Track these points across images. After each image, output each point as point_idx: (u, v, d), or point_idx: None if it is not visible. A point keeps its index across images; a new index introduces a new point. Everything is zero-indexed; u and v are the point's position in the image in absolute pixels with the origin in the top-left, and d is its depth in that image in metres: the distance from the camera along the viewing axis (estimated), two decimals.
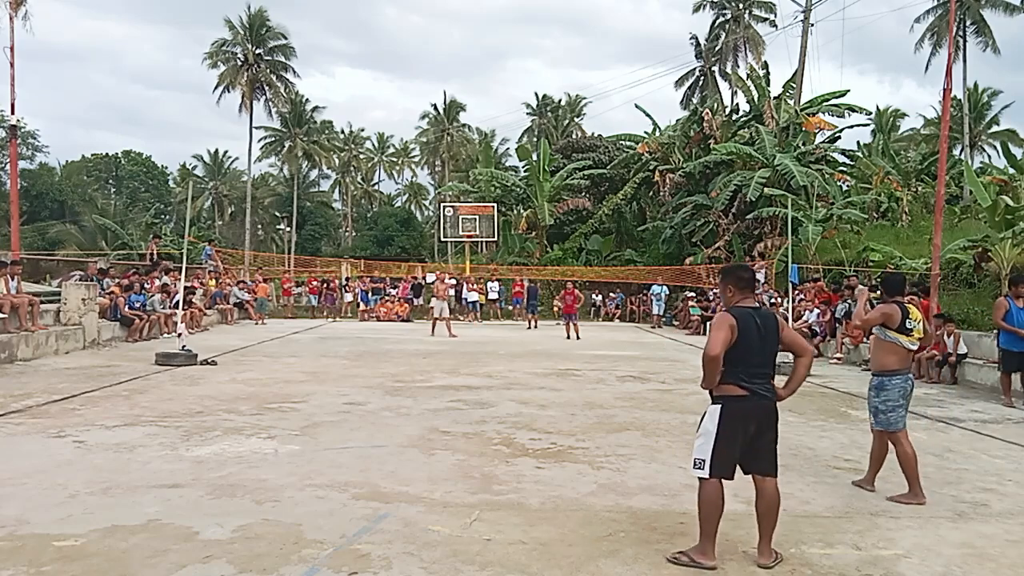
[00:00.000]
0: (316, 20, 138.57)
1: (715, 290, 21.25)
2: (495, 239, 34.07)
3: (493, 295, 27.92)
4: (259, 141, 56.41)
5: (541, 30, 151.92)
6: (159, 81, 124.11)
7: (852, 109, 28.65)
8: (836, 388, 11.25)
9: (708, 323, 4.53)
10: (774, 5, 46.45)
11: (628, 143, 35.02)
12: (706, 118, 29.48)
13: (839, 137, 28.96)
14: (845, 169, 31.00)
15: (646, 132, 34.16)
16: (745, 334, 3.96)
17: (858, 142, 42.96)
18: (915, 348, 5.58)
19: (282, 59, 49.45)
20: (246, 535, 4.23)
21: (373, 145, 75.41)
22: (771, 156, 25.45)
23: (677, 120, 34.87)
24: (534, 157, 34.97)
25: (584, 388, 10.49)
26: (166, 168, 71.82)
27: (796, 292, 17.10)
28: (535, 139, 55.99)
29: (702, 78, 50.52)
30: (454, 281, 26.86)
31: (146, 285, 17.41)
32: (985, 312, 13.79)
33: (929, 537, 4.54)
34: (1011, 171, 21.41)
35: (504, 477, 5.61)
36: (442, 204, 37.18)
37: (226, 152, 68.96)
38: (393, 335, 19.49)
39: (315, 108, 59.89)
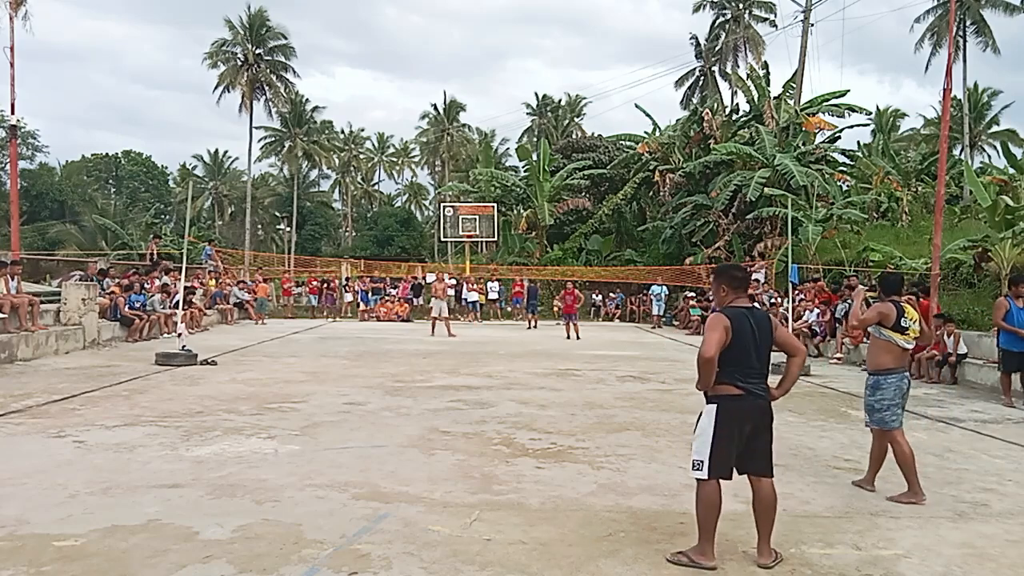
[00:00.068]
0: (316, 20, 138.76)
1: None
2: (495, 239, 34.07)
3: (493, 295, 27.92)
4: (259, 141, 56.50)
5: (541, 30, 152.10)
6: (159, 81, 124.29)
7: (852, 109, 28.65)
8: (836, 388, 11.26)
9: None
10: (774, 5, 46.53)
11: (628, 143, 35.02)
12: (706, 118, 29.48)
13: (839, 137, 28.98)
14: (845, 169, 31.00)
15: (646, 132, 34.17)
16: (740, 335, 3.95)
17: (858, 142, 43.03)
18: (911, 347, 5.58)
19: (282, 59, 49.48)
20: (246, 535, 4.23)
21: (373, 145, 75.48)
22: (771, 156, 25.45)
23: (677, 120, 34.88)
24: (534, 157, 34.98)
25: (584, 388, 10.49)
26: (166, 168, 71.94)
27: (796, 292, 17.10)
28: (535, 139, 56.00)
29: (702, 78, 50.53)
30: (454, 281, 26.87)
31: (146, 285, 17.41)
32: (985, 312, 13.80)
33: (929, 537, 4.54)
34: (1011, 171, 21.41)
35: (504, 477, 5.61)
36: (442, 204, 37.19)
37: (226, 152, 69.09)
38: (393, 335, 19.50)
39: (315, 108, 60.00)
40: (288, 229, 57.54)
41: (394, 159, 76.03)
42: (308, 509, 4.72)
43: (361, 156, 73.01)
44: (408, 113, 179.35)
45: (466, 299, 26.98)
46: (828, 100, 28.28)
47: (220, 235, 57.08)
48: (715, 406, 3.99)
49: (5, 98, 21.80)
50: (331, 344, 16.52)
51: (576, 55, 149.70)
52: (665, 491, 5.31)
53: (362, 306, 26.71)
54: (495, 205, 32.89)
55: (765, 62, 34.20)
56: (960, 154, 39.20)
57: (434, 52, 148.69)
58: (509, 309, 28.44)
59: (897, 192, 28.14)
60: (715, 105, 35.01)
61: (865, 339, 12.96)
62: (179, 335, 12.92)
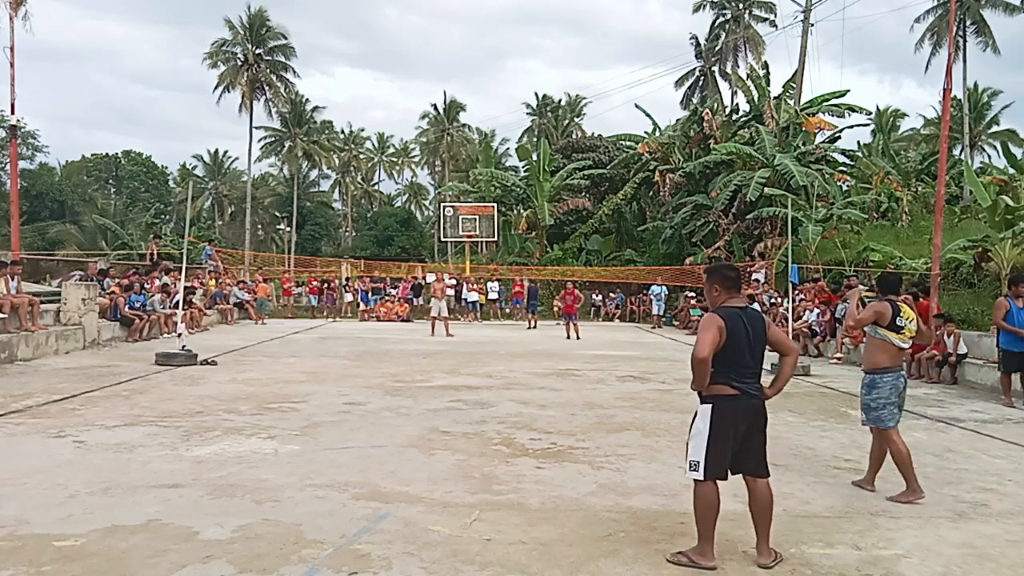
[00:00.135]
0: (316, 20, 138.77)
1: None
2: (495, 239, 34.07)
3: (493, 295, 27.92)
4: (259, 141, 56.51)
5: (541, 30, 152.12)
6: (159, 81, 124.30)
7: (852, 109, 28.64)
8: (836, 388, 11.26)
9: None
10: (774, 5, 46.53)
11: (628, 143, 35.02)
12: (706, 118, 29.48)
13: (839, 137, 28.97)
14: (845, 169, 30.99)
15: (646, 132, 34.17)
16: (734, 335, 3.95)
17: (858, 142, 43.03)
18: (907, 346, 5.59)
19: (282, 59, 49.50)
20: (246, 535, 4.23)
21: (373, 145, 75.48)
22: (771, 156, 25.45)
23: (677, 120, 34.87)
24: (534, 157, 34.98)
25: (584, 388, 10.49)
26: (166, 168, 71.94)
27: (796, 292, 17.11)
28: (535, 139, 56.00)
29: (702, 78, 50.53)
30: (454, 282, 26.87)
31: (146, 285, 17.41)
32: (985, 312, 13.80)
33: (929, 537, 4.54)
34: (1011, 171, 21.42)
35: (504, 477, 5.61)
36: (442, 204, 37.19)
37: (226, 152, 69.10)
38: (393, 335, 19.50)
39: (315, 108, 60.01)
40: (288, 229, 57.55)
41: (394, 159, 76.03)
42: (308, 509, 4.72)
43: (361, 156, 73.02)
44: (408, 113, 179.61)
45: (466, 299, 26.98)
46: (828, 100, 28.27)
47: (220, 235, 57.07)
48: (710, 406, 3.99)
49: (5, 98, 21.82)
50: (331, 344, 16.52)
51: (576, 55, 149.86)
52: (665, 491, 5.31)
53: (362, 306, 26.71)
54: (495, 205, 32.90)
55: (765, 62, 34.21)
56: (960, 154, 39.20)
57: (434, 52, 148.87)
58: (508, 310, 28.44)
59: (897, 192, 28.15)
60: (715, 105, 35.00)
61: (864, 339, 12.99)
62: (179, 335, 12.93)
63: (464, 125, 65.85)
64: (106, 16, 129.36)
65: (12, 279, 12.36)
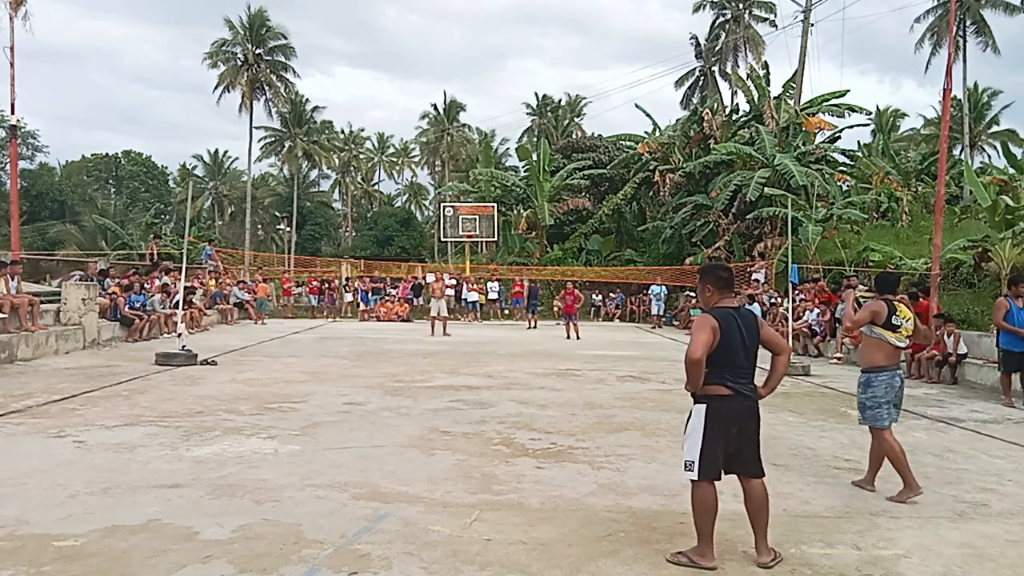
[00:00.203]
0: (316, 20, 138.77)
1: None
2: (495, 239, 34.08)
3: (493, 295, 27.92)
4: (259, 141, 56.51)
5: (541, 30, 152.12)
6: (159, 81, 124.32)
7: (852, 109, 28.65)
8: (836, 388, 11.26)
9: None
10: (774, 5, 46.54)
11: (628, 143, 35.03)
12: (706, 118, 29.48)
13: (839, 137, 28.98)
14: (845, 169, 30.99)
15: (646, 132, 34.19)
16: (727, 335, 3.95)
17: (858, 142, 43.05)
18: (903, 345, 5.59)
19: (282, 59, 49.51)
20: (246, 535, 4.23)
21: (373, 145, 75.48)
22: (771, 156, 25.45)
23: (677, 120, 34.88)
24: (534, 157, 34.99)
25: (584, 388, 10.49)
26: (166, 168, 71.94)
27: (796, 292, 17.11)
28: (535, 139, 56.01)
29: (702, 78, 50.54)
30: (454, 282, 26.89)
31: (146, 285, 17.41)
32: (985, 312, 13.80)
33: (929, 537, 4.54)
34: (1011, 171, 21.42)
35: (504, 477, 5.61)
36: (442, 204, 37.19)
37: (226, 152, 69.10)
38: (393, 335, 19.50)
39: (315, 108, 60.01)
40: (288, 229, 57.55)
41: (394, 159, 76.03)
42: (308, 509, 4.72)
43: (361, 156, 73.02)
44: (408, 113, 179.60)
45: (466, 299, 26.98)
46: (828, 100, 28.28)
47: (220, 235, 57.08)
48: (704, 406, 3.99)
49: (5, 98, 21.82)
50: (331, 344, 16.53)
51: (576, 55, 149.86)
52: (665, 491, 5.31)
53: (362, 306, 26.71)
54: (495, 205, 32.91)
55: (765, 62, 34.21)
56: (960, 154, 39.20)
57: (434, 52, 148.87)
58: (507, 312, 28.44)
59: (897, 192, 28.15)
60: (715, 105, 35.01)
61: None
62: (179, 335, 12.92)
63: (464, 125, 65.91)
64: (106, 16, 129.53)
65: (12, 279, 12.36)
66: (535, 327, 23.43)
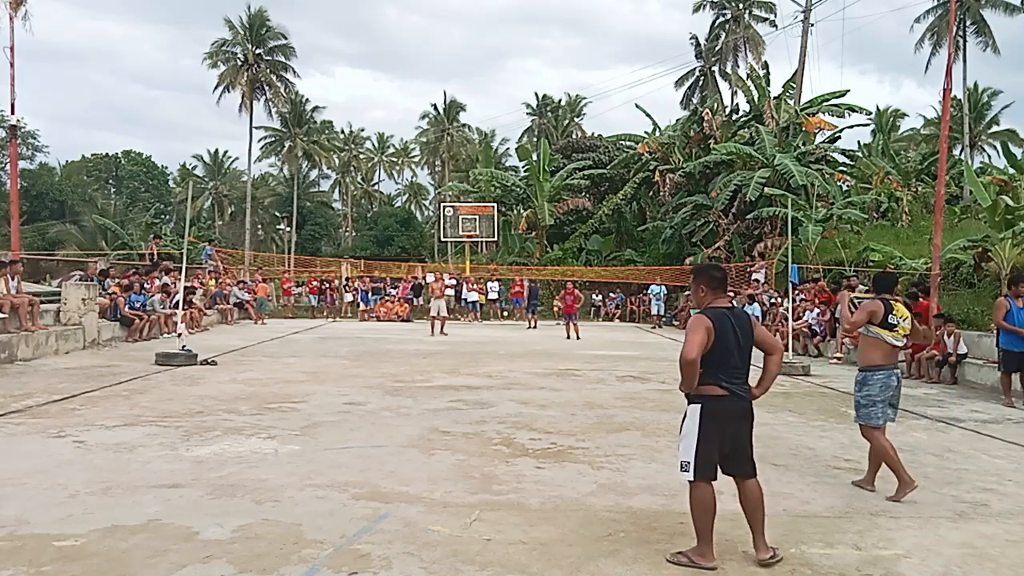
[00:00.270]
0: (316, 20, 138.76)
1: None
2: (495, 239, 34.09)
3: (493, 295, 27.93)
4: (259, 141, 56.51)
5: (541, 30, 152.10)
6: (159, 81, 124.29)
7: (852, 109, 28.65)
8: (836, 388, 11.26)
9: None
10: (774, 5, 46.55)
11: (628, 143, 35.04)
12: (706, 118, 29.48)
13: (839, 137, 28.98)
14: (845, 169, 31.00)
15: (646, 132, 34.19)
16: (722, 335, 3.96)
17: (858, 142, 43.04)
18: (900, 344, 5.59)
19: (282, 59, 49.52)
20: (246, 535, 4.23)
21: (373, 145, 75.48)
22: (771, 156, 25.45)
23: (677, 120, 34.89)
24: (534, 157, 34.99)
25: (584, 388, 10.49)
26: (166, 168, 71.93)
27: (796, 292, 17.10)
28: (535, 139, 56.01)
29: (702, 78, 50.54)
30: (454, 282, 26.89)
31: (146, 285, 17.41)
32: (985, 312, 13.79)
33: (929, 537, 4.54)
34: (1011, 171, 21.42)
35: (504, 477, 5.61)
36: (442, 204, 37.20)
37: (226, 152, 69.10)
38: (393, 335, 19.50)
39: (315, 108, 60.03)
40: (288, 229, 57.55)
41: (394, 159, 76.03)
42: (308, 509, 4.72)
43: (361, 156, 73.02)
44: (408, 113, 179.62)
45: (466, 299, 26.99)
46: (828, 100, 28.28)
47: (220, 235, 57.08)
48: (699, 406, 3.99)
49: (5, 98, 21.81)
50: (331, 344, 16.52)
51: (576, 55, 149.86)
52: (665, 491, 5.31)
53: (362, 306, 26.71)
54: (495, 205, 32.91)
55: (765, 62, 34.21)
56: (960, 154, 39.20)
57: (434, 52, 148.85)
58: (507, 312, 28.43)
59: (897, 192, 28.14)
60: (715, 105, 35.01)
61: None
62: (179, 335, 12.92)
63: (464, 125, 65.91)
64: (106, 16, 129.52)
65: (12, 279, 12.36)
66: (535, 327, 23.43)
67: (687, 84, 51.02)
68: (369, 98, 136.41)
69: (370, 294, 27.27)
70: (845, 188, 28.95)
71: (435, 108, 65.15)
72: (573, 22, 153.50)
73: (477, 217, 32.00)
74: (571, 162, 35.27)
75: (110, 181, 68.07)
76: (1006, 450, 7.13)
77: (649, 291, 26.58)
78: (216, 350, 13.66)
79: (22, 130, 41.67)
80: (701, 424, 3.96)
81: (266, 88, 48.87)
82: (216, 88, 48.48)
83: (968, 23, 39.53)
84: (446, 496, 5.08)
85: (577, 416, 8.21)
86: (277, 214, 63.30)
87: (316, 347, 15.82)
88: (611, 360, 14.38)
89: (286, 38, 49.27)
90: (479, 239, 34.26)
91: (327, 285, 28.14)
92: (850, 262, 20.69)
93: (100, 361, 12.13)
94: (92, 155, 68.52)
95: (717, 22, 48.67)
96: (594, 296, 29.42)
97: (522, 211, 34.76)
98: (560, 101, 63.18)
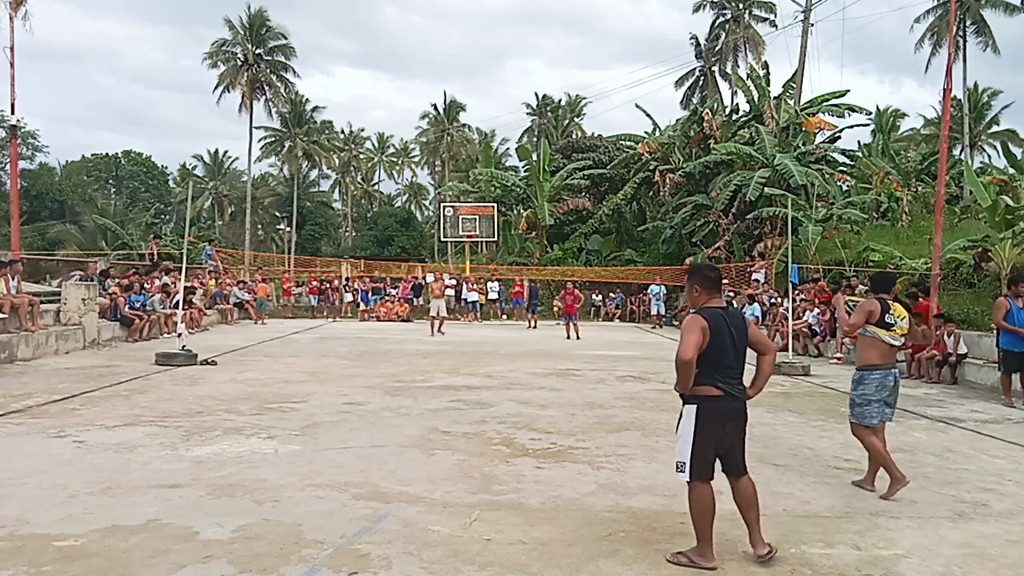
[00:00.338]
0: (316, 20, 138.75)
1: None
2: (495, 239, 34.08)
3: (493, 295, 27.93)
4: (259, 141, 56.51)
5: (541, 30, 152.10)
6: (159, 81, 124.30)
7: (852, 109, 28.66)
8: (836, 388, 11.25)
9: None
10: (774, 5, 46.56)
11: (628, 143, 35.04)
12: (706, 118, 29.49)
13: (839, 137, 28.99)
14: (845, 169, 31.01)
15: (646, 132, 34.20)
16: (717, 335, 3.97)
17: (858, 142, 43.05)
18: (897, 344, 5.60)
19: (282, 59, 49.52)
20: (246, 535, 4.23)
21: (373, 145, 75.48)
22: (771, 156, 25.45)
23: (677, 120, 34.89)
24: (534, 157, 34.99)
25: (584, 388, 10.49)
26: (166, 168, 71.94)
27: (796, 292, 17.10)
28: (535, 139, 56.02)
29: (702, 78, 50.54)
30: (454, 282, 26.89)
31: (146, 285, 17.41)
32: (985, 312, 13.79)
33: (929, 537, 4.54)
34: (1011, 171, 21.42)
35: (504, 477, 5.61)
36: (442, 204, 37.20)
37: (226, 152, 69.11)
38: (393, 335, 19.49)
39: (315, 108, 60.04)
40: (288, 229, 57.55)
41: (394, 159, 76.03)
42: (308, 509, 4.72)
43: (361, 156, 73.02)
44: (408, 113, 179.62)
45: (466, 299, 26.99)
46: (828, 100, 28.28)
47: (220, 235, 57.08)
48: (695, 407, 4.00)
49: (5, 98, 21.82)
50: (331, 344, 16.52)
51: (576, 55, 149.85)
52: (665, 491, 5.31)
53: (362, 306, 26.71)
54: (495, 205, 32.91)
55: (765, 62, 34.23)
56: (960, 154, 39.20)
57: (434, 52, 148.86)
58: (507, 312, 28.43)
59: (897, 192, 28.15)
60: (715, 105, 35.02)
61: None
62: (179, 335, 12.92)
63: (464, 125, 65.92)
64: (106, 16, 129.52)
65: (12, 279, 12.36)
66: (535, 327, 23.43)
67: (687, 84, 51.05)
68: (369, 98, 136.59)
69: (370, 294, 27.26)
70: (845, 188, 28.96)
71: (435, 108, 65.22)
72: (573, 22, 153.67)
73: (477, 217, 32.00)
74: (571, 162, 35.27)
75: (110, 181, 68.08)
76: (1006, 450, 7.13)
77: (649, 291, 26.57)
78: (216, 350, 13.65)
79: (22, 130, 41.68)
80: (697, 425, 3.96)
81: (266, 88, 48.87)
82: (216, 88, 48.58)
83: (968, 23, 39.53)
84: (446, 496, 5.08)
85: (577, 416, 8.21)
86: (277, 214, 63.31)
87: (316, 347, 15.82)
88: (611, 360, 14.38)
89: (286, 38, 49.35)
90: (479, 239, 34.26)
91: (327, 285, 28.13)
92: (850, 262, 20.69)
93: (100, 361, 12.13)
94: (92, 155, 68.56)
95: (717, 22, 48.68)
96: (594, 296, 29.41)
97: (522, 211, 34.76)
98: (560, 101, 63.24)
